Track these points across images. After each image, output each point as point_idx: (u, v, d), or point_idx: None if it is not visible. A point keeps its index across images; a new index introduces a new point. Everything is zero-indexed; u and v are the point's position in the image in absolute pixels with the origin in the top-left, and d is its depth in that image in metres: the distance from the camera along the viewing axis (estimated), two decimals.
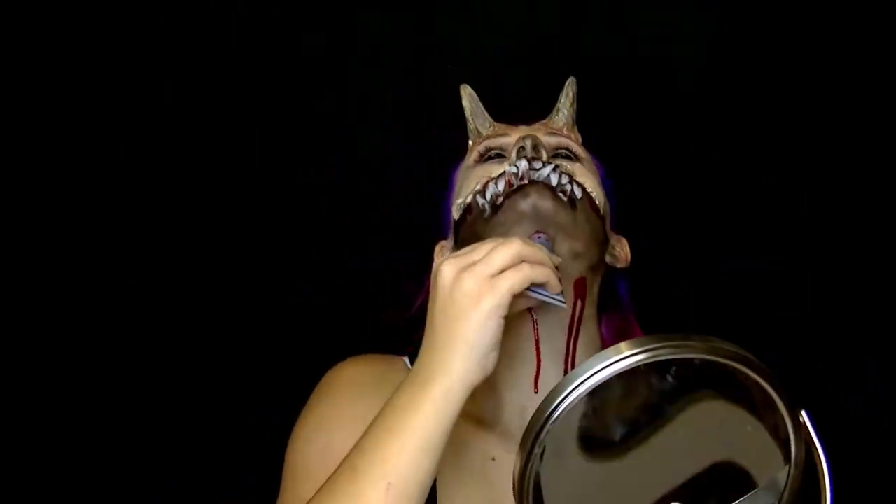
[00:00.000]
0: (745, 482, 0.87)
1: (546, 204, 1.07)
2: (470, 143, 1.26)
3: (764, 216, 1.63)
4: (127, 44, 1.62)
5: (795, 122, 1.61)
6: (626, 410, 0.86)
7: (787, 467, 0.88)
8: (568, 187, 1.09)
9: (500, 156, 1.17)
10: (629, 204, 1.63)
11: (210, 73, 1.63)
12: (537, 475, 0.84)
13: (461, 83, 1.58)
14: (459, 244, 1.15)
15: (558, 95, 1.29)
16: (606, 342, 1.19)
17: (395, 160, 1.64)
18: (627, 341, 0.84)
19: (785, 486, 0.88)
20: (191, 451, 1.68)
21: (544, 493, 0.84)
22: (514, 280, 0.93)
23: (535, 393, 1.05)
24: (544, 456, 0.84)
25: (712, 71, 1.61)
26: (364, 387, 1.14)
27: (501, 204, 1.08)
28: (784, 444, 0.88)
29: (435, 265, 0.96)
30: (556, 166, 1.10)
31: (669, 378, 0.85)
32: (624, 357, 0.82)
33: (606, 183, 1.21)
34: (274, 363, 1.68)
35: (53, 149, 1.63)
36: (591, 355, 1.01)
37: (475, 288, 0.92)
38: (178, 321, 1.67)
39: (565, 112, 1.24)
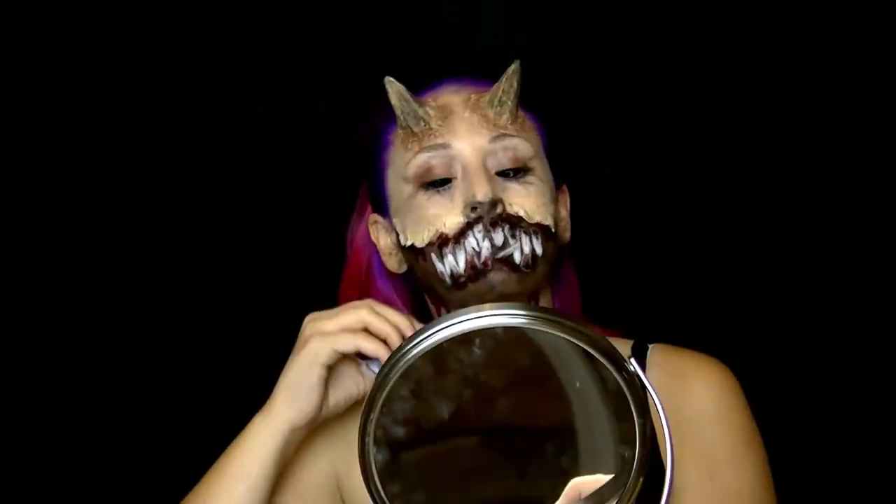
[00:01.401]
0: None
1: (510, 286, 1.09)
2: (397, 131, 1.14)
3: (765, 218, 1.63)
4: (125, 44, 1.62)
5: (796, 125, 1.61)
6: (443, 385, 0.89)
7: (636, 425, 0.89)
8: (530, 257, 1.09)
9: (445, 181, 1.10)
10: (629, 203, 1.63)
11: (208, 72, 1.63)
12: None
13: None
14: (412, 273, 1.15)
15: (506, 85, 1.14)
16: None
17: None
18: (433, 321, 0.89)
19: (635, 439, 0.89)
20: (191, 452, 1.68)
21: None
22: (342, 342, 1.03)
23: None
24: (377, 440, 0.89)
25: (712, 71, 1.61)
26: None
27: (464, 284, 1.09)
28: (621, 396, 0.89)
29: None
30: (514, 230, 1.08)
31: (475, 347, 0.89)
32: (426, 335, 0.87)
33: (545, 140, 1.16)
34: (274, 363, 1.68)
35: (53, 149, 1.63)
36: None
37: (309, 335, 1.05)
38: (178, 321, 1.67)
39: (510, 104, 1.12)
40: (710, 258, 1.62)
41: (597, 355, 0.89)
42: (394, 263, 1.18)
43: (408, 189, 1.11)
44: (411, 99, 1.11)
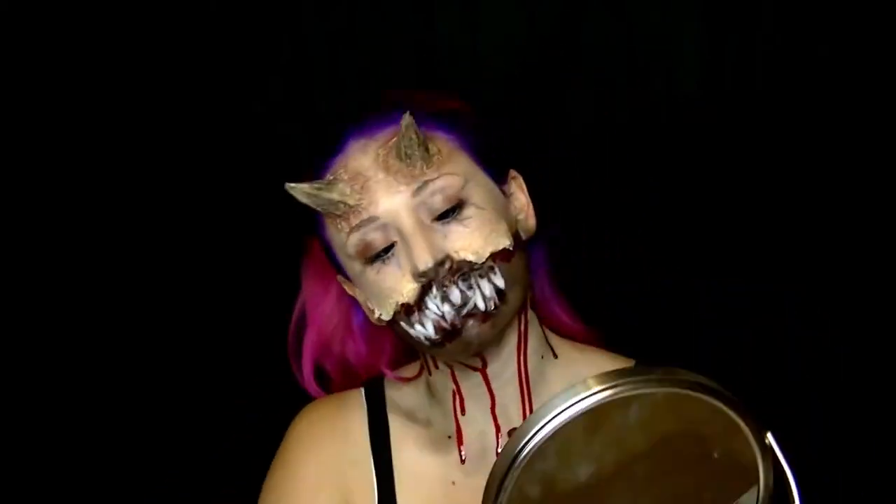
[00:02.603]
0: None
1: (486, 334, 1.05)
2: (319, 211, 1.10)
3: (765, 218, 1.63)
4: (126, 44, 1.62)
5: (796, 125, 1.61)
6: (589, 447, 0.85)
7: (756, 490, 0.88)
8: (494, 297, 1.05)
9: (388, 247, 1.05)
10: (626, 203, 1.64)
11: (209, 73, 1.63)
12: None
13: (461, 84, 1.59)
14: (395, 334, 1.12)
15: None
16: (549, 327, 1.16)
17: None
18: (592, 377, 0.83)
19: None
20: (190, 451, 1.68)
21: None
22: None
23: (494, 424, 1.10)
24: (510, 499, 0.83)
25: (712, 71, 1.61)
26: (319, 441, 1.18)
27: (442, 343, 1.05)
28: (751, 468, 0.88)
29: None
30: (468, 280, 1.04)
31: (632, 411, 0.85)
32: (588, 395, 0.82)
33: (471, 141, 1.08)
34: (274, 363, 1.68)
35: (53, 149, 1.63)
36: (540, 354, 1.11)
37: None
38: (177, 321, 1.67)
39: (417, 153, 1.05)
40: (710, 258, 1.62)
41: (742, 426, 0.86)
42: (376, 319, 1.11)
43: (356, 266, 1.06)
44: (318, 192, 1.07)
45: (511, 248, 1.04)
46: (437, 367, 1.12)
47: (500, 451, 1.01)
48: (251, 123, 1.64)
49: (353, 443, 1.16)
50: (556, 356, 1.14)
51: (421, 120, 1.04)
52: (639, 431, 0.86)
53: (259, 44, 1.62)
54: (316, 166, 1.09)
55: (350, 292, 1.13)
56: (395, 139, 1.05)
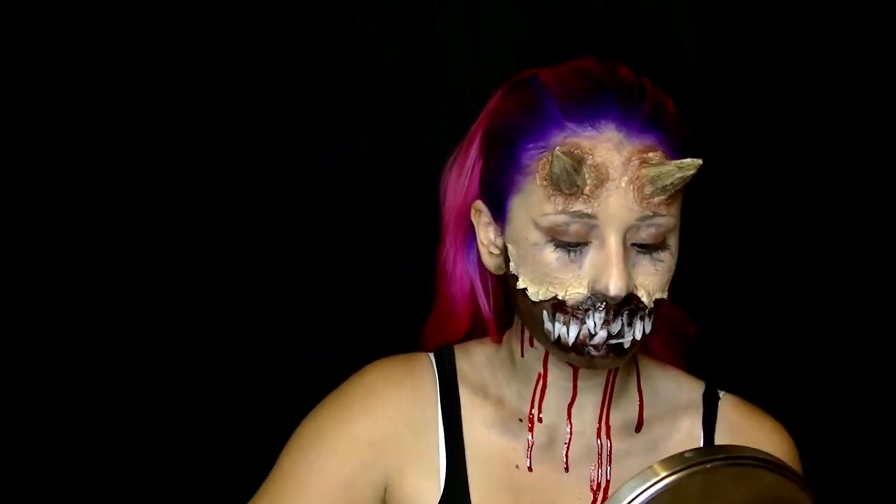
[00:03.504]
0: None
1: (614, 362, 1.07)
2: (531, 161, 1.04)
3: (765, 218, 1.63)
4: (125, 44, 1.62)
5: (796, 125, 1.61)
6: None
7: None
8: (639, 341, 1.05)
9: (576, 244, 1.02)
10: None
11: (209, 72, 1.63)
12: None
13: (461, 83, 1.59)
14: (509, 291, 1.10)
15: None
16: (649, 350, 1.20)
17: (395, 159, 1.64)
18: (658, 463, 0.90)
19: None
20: (190, 451, 1.68)
21: None
22: None
23: (568, 422, 1.12)
24: None
25: (712, 71, 1.61)
26: (383, 397, 1.14)
27: (565, 348, 1.05)
28: None
29: None
30: (632, 318, 1.03)
31: (698, 487, 0.91)
32: (655, 482, 0.89)
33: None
34: (273, 363, 1.68)
35: (53, 148, 1.63)
36: (628, 369, 1.14)
37: None
38: (177, 320, 1.67)
39: (671, 192, 1.02)
40: (709, 258, 1.62)
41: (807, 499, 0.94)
42: (491, 263, 1.10)
43: (535, 236, 1.03)
44: (574, 171, 0.99)
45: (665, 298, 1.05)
46: (532, 346, 1.11)
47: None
48: (251, 123, 1.63)
49: (419, 409, 1.13)
50: (638, 371, 1.16)
51: (670, 143, 1.03)
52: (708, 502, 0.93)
53: (259, 44, 1.61)
54: (554, 111, 1.03)
55: (474, 220, 1.11)
56: (657, 160, 1.01)
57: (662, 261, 1.04)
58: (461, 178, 1.14)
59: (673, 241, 1.05)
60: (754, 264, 1.63)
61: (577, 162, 0.98)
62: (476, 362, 1.17)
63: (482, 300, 1.16)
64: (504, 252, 1.08)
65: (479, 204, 1.10)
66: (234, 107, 1.63)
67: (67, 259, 1.64)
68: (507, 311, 1.15)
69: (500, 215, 1.07)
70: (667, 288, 1.05)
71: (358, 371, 1.17)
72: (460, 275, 1.16)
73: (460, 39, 1.60)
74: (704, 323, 1.59)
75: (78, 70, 1.61)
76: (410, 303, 1.64)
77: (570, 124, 1.01)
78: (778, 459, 0.93)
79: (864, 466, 1.65)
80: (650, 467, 0.89)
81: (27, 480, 1.65)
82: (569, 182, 0.99)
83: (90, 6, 1.59)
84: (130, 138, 1.63)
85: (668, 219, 1.02)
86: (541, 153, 1.02)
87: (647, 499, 0.88)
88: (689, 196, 1.51)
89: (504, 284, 1.13)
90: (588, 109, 1.02)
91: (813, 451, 1.29)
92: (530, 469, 1.12)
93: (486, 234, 1.10)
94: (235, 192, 1.65)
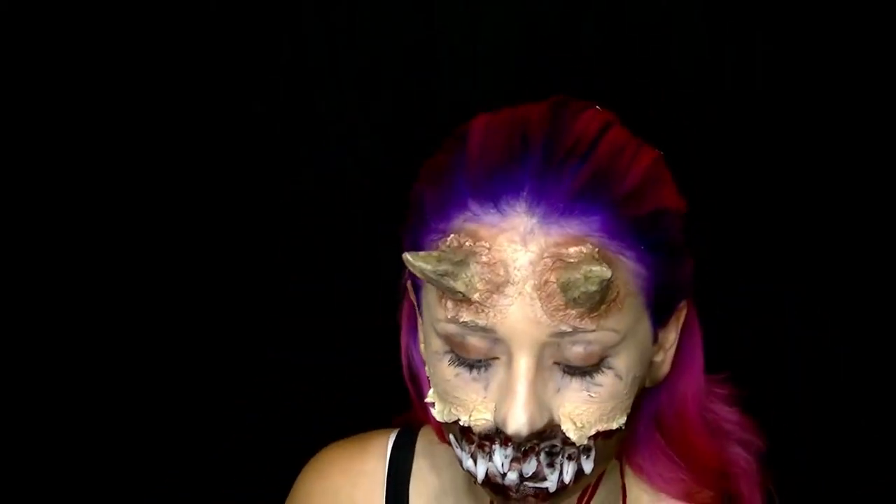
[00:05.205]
0: None
1: None
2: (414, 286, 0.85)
3: (765, 218, 1.63)
4: (125, 44, 1.62)
5: (796, 126, 1.61)
6: None
7: None
8: (571, 482, 0.81)
9: (478, 362, 0.79)
10: None
11: (209, 72, 1.63)
12: None
13: (461, 83, 1.59)
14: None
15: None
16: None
17: (395, 159, 1.64)
18: None
19: None
20: (190, 451, 1.68)
21: None
22: None
23: None
24: None
25: (712, 71, 1.61)
26: (329, 486, 1.02)
27: (483, 486, 0.83)
28: None
29: None
30: (554, 459, 0.79)
31: None
32: None
33: (654, 278, 0.80)
34: (273, 363, 1.68)
35: (53, 148, 1.63)
36: (608, 497, 0.91)
37: None
38: (177, 320, 1.67)
39: (591, 306, 0.74)
40: (709, 258, 1.62)
41: None
42: (427, 398, 0.87)
43: (436, 343, 0.80)
44: (441, 276, 0.75)
45: (622, 428, 0.80)
46: None
47: None
48: (251, 123, 1.63)
49: (367, 490, 0.99)
50: (624, 499, 0.92)
51: (617, 228, 0.76)
52: None
53: (259, 44, 1.61)
54: (461, 184, 0.79)
55: (419, 330, 0.87)
56: (576, 258, 0.74)
57: (600, 385, 0.78)
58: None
59: (621, 362, 0.78)
60: (754, 264, 1.63)
61: (455, 264, 0.75)
62: (438, 463, 0.98)
63: (424, 391, 0.91)
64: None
65: (409, 283, 0.88)
66: (234, 107, 1.63)
67: (67, 259, 1.64)
68: None
69: (418, 306, 0.86)
70: (615, 421, 0.79)
71: (303, 472, 1.06)
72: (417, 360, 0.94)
73: (460, 39, 1.60)
74: (704, 323, 1.60)
75: (78, 70, 1.61)
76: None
77: (472, 204, 0.77)
78: None
79: (864, 466, 1.65)
80: None
81: (27, 480, 1.65)
82: (450, 291, 0.76)
83: (90, 6, 1.59)
84: (130, 138, 1.63)
85: (601, 334, 0.76)
86: (441, 238, 0.78)
87: None
88: (689, 196, 1.51)
89: None
90: (496, 183, 0.76)
91: (813, 450, 1.29)
92: None
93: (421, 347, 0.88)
94: (235, 192, 1.65)
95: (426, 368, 0.84)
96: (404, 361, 0.94)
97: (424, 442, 0.98)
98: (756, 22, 1.58)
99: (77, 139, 1.62)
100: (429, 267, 0.75)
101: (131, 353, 1.66)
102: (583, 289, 0.73)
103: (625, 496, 0.92)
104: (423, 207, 0.82)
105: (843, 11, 1.56)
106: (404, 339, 0.94)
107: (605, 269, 0.73)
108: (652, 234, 0.79)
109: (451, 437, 0.82)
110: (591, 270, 0.73)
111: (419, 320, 0.86)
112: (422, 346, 0.86)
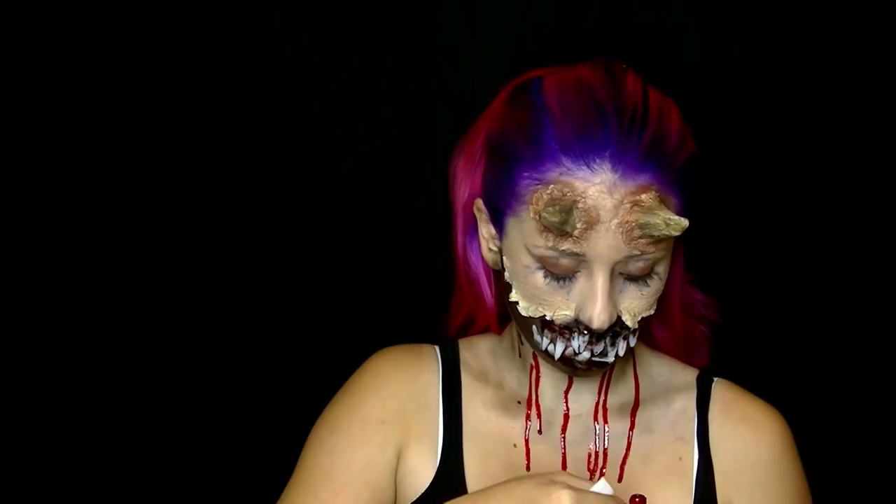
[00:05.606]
0: None
1: (595, 374, 1.15)
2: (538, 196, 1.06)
3: (766, 218, 1.63)
4: (125, 43, 1.62)
5: (796, 126, 1.61)
6: None
7: None
8: (622, 355, 1.12)
9: (567, 276, 1.07)
10: None
11: (208, 72, 1.63)
12: None
13: (461, 83, 1.59)
14: (505, 297, 1.15)
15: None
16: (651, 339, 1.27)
17: (395, 159, 1.64)
18: None
19: None
20: (190, 451, 1.68)
21: None
22: None
23: (566, 403, 1.19)
24: None
25: (712, 71, 1.61)
26: (390, 378, 1.21)
27: (552, 360, 1.12)
28: None
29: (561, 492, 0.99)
30: (616, 339, 1.10)
31: None
32: None
33: (686, 207, 1.10)
34: (273, 363, 1.68)
35: (53, 148, 1.63)
36: (626, 360, 1.21)
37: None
38: (177, 320, 1.67)
39: (662, 239, 1.06)
40: (709, 258, 1.62)
41: None
42: (490, 258, 1.17)
43: (527, 259, 1.08)
44: (562, 223, 1.02)
45: (653, 312, 1.11)
46: (523, 344, 1.19)
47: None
48: (251, 123, 1.63)
49: (422, 388, 1.20)
50: (634, 358, 1.23)
51: (668, 178, 1.05)
52: None
53: (259, 44, 1.61)
54: (552, 143, 1.04)
55: (476, 214, 1.16)
56: (648, 203, 1.03)
57: (649, 286, 1.09)
58: (467, 166, 1.20)
59: (662, 268, 1.10)
60: (754, 264, 1.63)
61: (567, 212, 1.01)
62: (479, 352, 1.24)
63: (485, 290, 1.22)
64: (501, 253, 1.13)
65: (480, 203, 1.15)
66: (234, 107, 1.63)
67: (67, 259, 1.64)
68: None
69: (497, 225, 1.12)
70: (654, 304, 1.11)
71: (367, 359, 1.24)
72: (474, 260, 1.22)
73: (460, 39, 1.60)
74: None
75: (78, 70, 1.61)
76: (411, 302, 1.65)
77: (566, 160, 1.04)
78: None
79: (864, 466, 1.65)
80: None
81: (27, 480, 1.65)
82: (558, 230, 1.03)
83: (90, 6, 1.59)
84: (130, 138, 1.63)
85: (655, 254, 1.06)
86: (536, 185, 1.05)
87: None
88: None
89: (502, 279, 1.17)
90: (585, 144, 1.03)
91: (813, 450, 1.29)
92: (527, 448, 1.17)
93: (487, 229, 1.15)
94: (235, 192, 1.65)
95: (505, 274, 1.11)
96: (461, 268, 1.22)
97: (466, 355, 1.23)
98: (756, 22, 1.58)
99: (77, 139, 1.62)
100: (556, 220, 1.01)
101: (131, 354, 1.66)
102: (665, 232, 1.02)
103: (633, 354, 1.22)
104: (514, 156, 1.07)
105: (843, 11, 1.56)
106: (461, 250, 1.21)
107: (683, 219, 1.02)
108: (687, 177, 1.09)
109: (533, 326, 1.09)
110: (670, 219, 1.02)
111: (489, 237, 1.14)
112: (487, 254, 1.15)
